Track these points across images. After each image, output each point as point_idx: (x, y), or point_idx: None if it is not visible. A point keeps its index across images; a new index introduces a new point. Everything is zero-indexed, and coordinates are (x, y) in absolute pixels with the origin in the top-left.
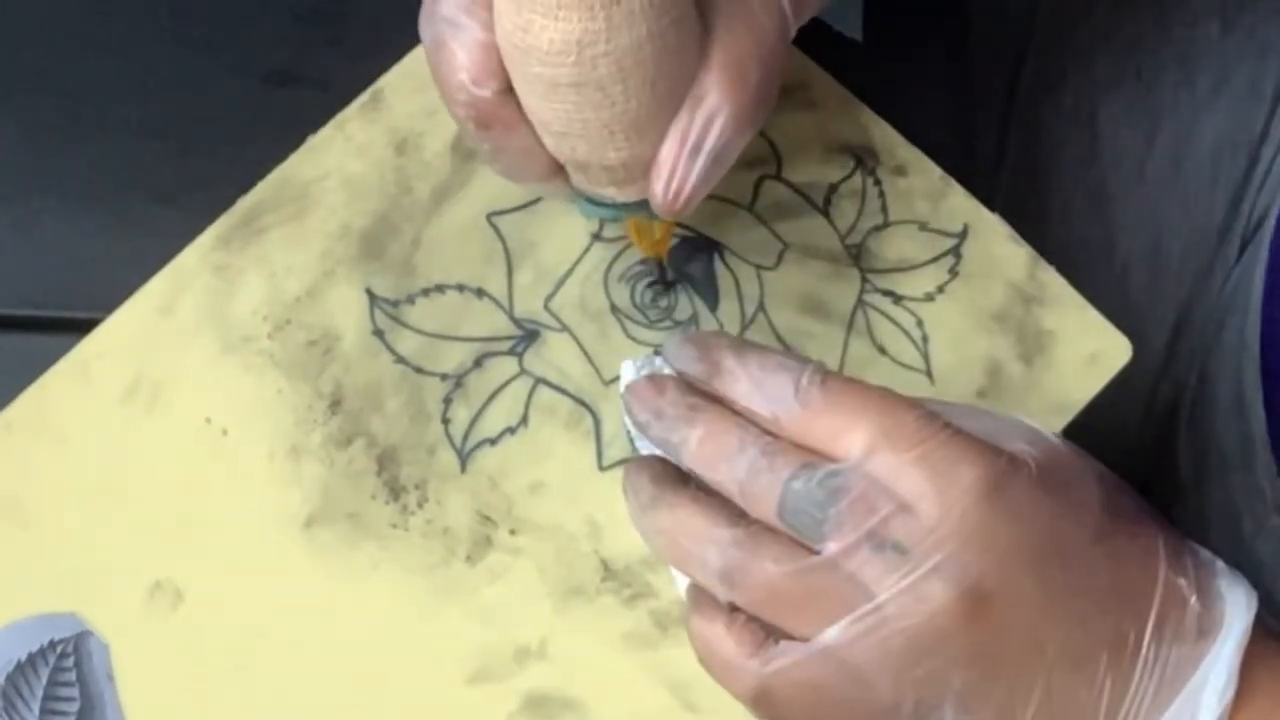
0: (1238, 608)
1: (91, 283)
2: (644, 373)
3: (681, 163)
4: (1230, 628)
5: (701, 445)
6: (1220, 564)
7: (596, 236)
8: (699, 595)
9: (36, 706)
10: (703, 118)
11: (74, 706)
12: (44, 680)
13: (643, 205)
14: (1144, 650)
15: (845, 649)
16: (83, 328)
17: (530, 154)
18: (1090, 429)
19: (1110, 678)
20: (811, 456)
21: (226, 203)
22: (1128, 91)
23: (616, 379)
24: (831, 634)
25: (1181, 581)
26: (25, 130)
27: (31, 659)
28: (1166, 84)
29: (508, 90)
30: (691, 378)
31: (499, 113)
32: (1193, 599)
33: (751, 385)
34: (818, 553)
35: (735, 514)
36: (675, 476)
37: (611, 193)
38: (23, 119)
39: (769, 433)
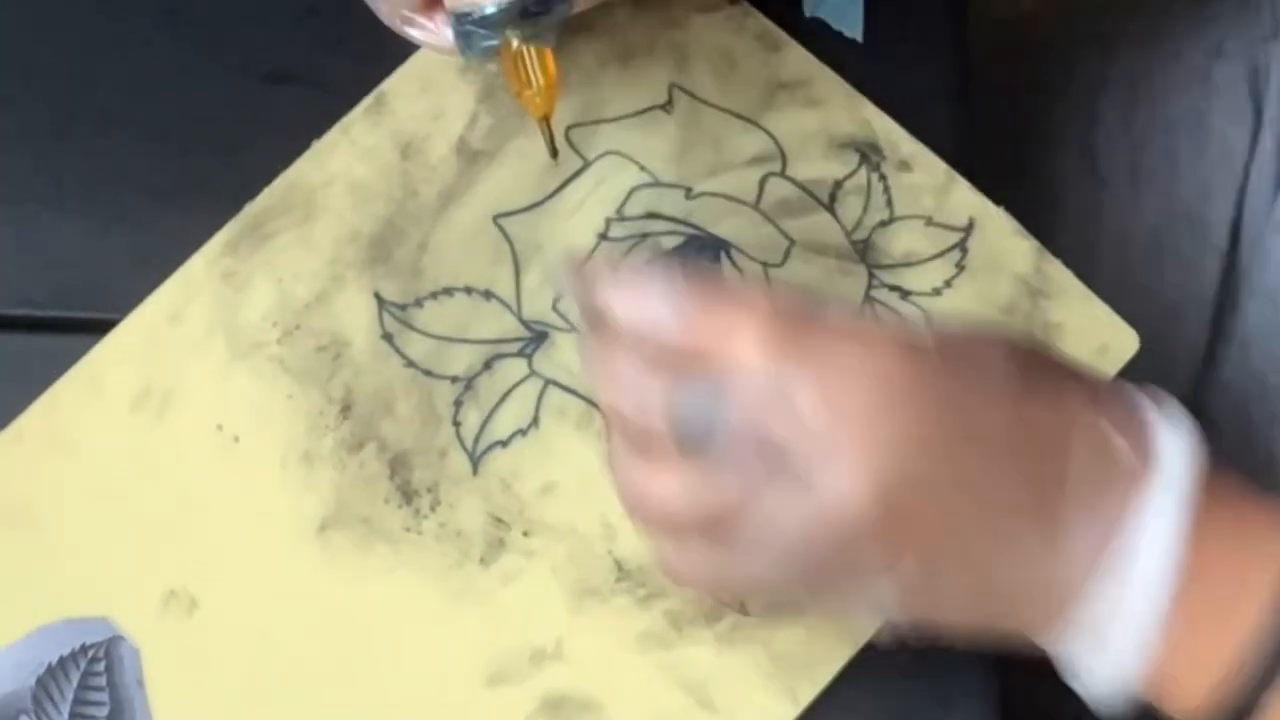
0: (1174, 448)
1: (91, 283)
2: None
3: None
4: (1163, 471)
5: (600, 369)
6: (1159, 411)
7: (603, 237)
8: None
9: (66, 709)
10: None
11: (103, 711)
12: (74, 684)
13: (513, 17)
14: (1068, 504)
15: (751, 556)
16: (83, 328)
17: None
18: None
19: (1037, 536)
20: (696, 364)
21: (226, 203)
22: (1121, 95)
23: None
24: (734, 542)
25: (1106, 427)
26: (25, 130)
27: (62, 662)
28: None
29: None
30: (584, 309)
31: None
32: (1121, 444)
33: (629, 306)
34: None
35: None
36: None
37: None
38: (23, 119)
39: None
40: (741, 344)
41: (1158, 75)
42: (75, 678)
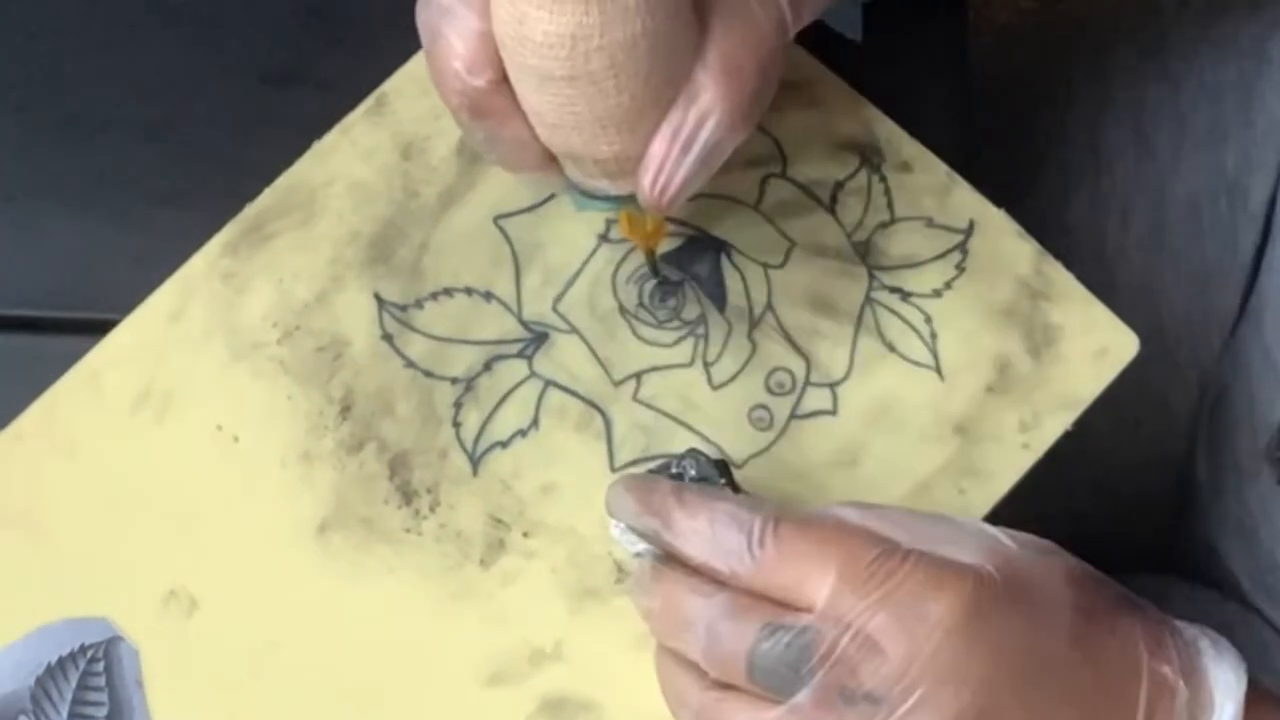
0: (1228, 688)
1: (91, 283)
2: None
3: (671, 159)
4: (1221, 711)
5: (662, 615)
6: (1205, 642)
7: (604, 238)
8: None
9: (65, 710)
10: (695, 115)
11: (102, 711)
12: (73, 684)
13: (634, 199)
14: None
15: None
16: (83, 328)
17: (523, 145)
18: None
19: None
20: (774, 610)
21: (226, 203)
22: (1172, 65)
23: (626, 380)
24: None
25: (1166, 670)
26: (25, 130)
27: (61, 662)
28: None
29: (502, 80)
30: (640, 534)
31: (493, 102)
32: (1180, 685)
33: (703, 544)
34: (789, 706)
35: (705, 676)
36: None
37: (604, 185)
38: (23, 119)
39: (730, 586)
40: (819, 590)
41: (1211, 48)
42: (74, 678)
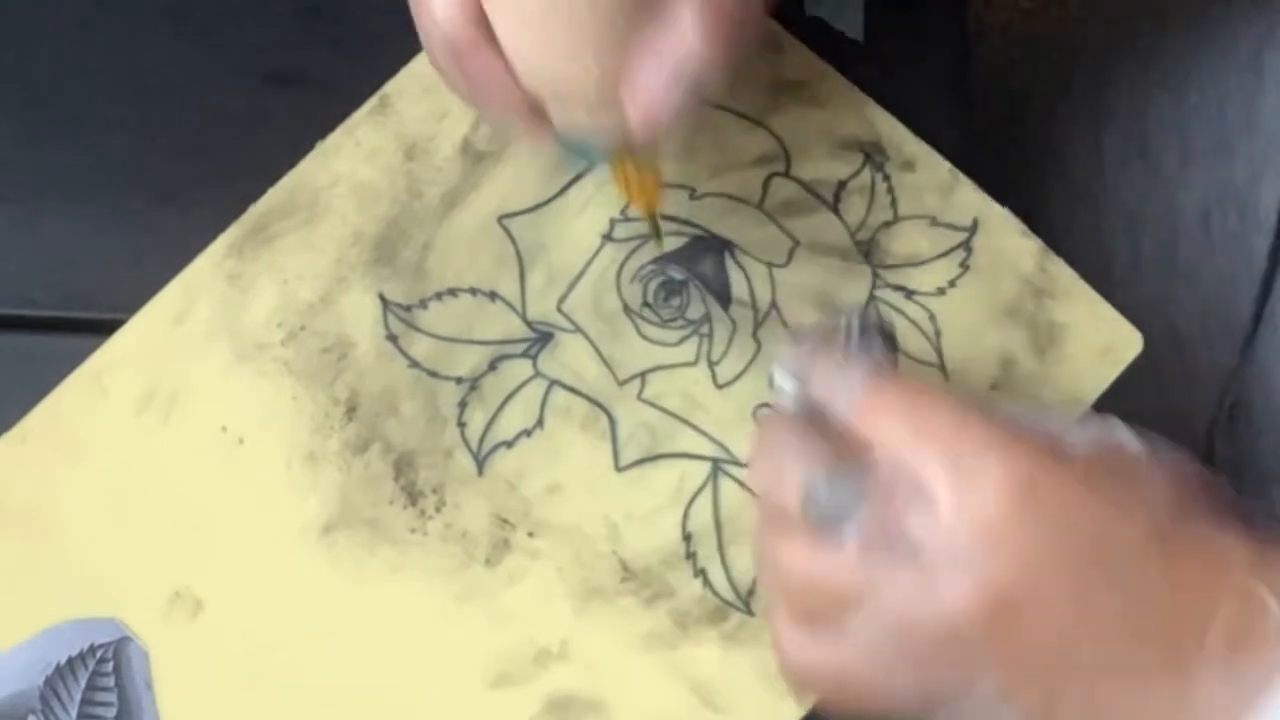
0: None
1: (91, 283)
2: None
3: (654, 82)
4: None
5: (756, 443)
6: None
7: (608, 237)
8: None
9: (74, 710)
10: (674, 39)
11: (111, 712)
12: (82, 684)
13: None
14: (1207, 661)
15: (868, 645)
16: (83, 328)
17: (506, 89)
18: None
19: (1169, 690)
20: (841, 453)
21: (227, 202)
22: (1173, 77)
23: (630, 379)
24: (852, 630)
25: (1260, 583)
26: (25, 130)
27: (71, 662)
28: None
29: (481, 21)
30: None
31: (472, 40)
32: (1273, 602)
33: (827, 392)
34: (834, 545)
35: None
36: None
37: (585, 122)
38: (23, 119)
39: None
40: (888, 432)
41: (1210, 59)
42: (83, 678)
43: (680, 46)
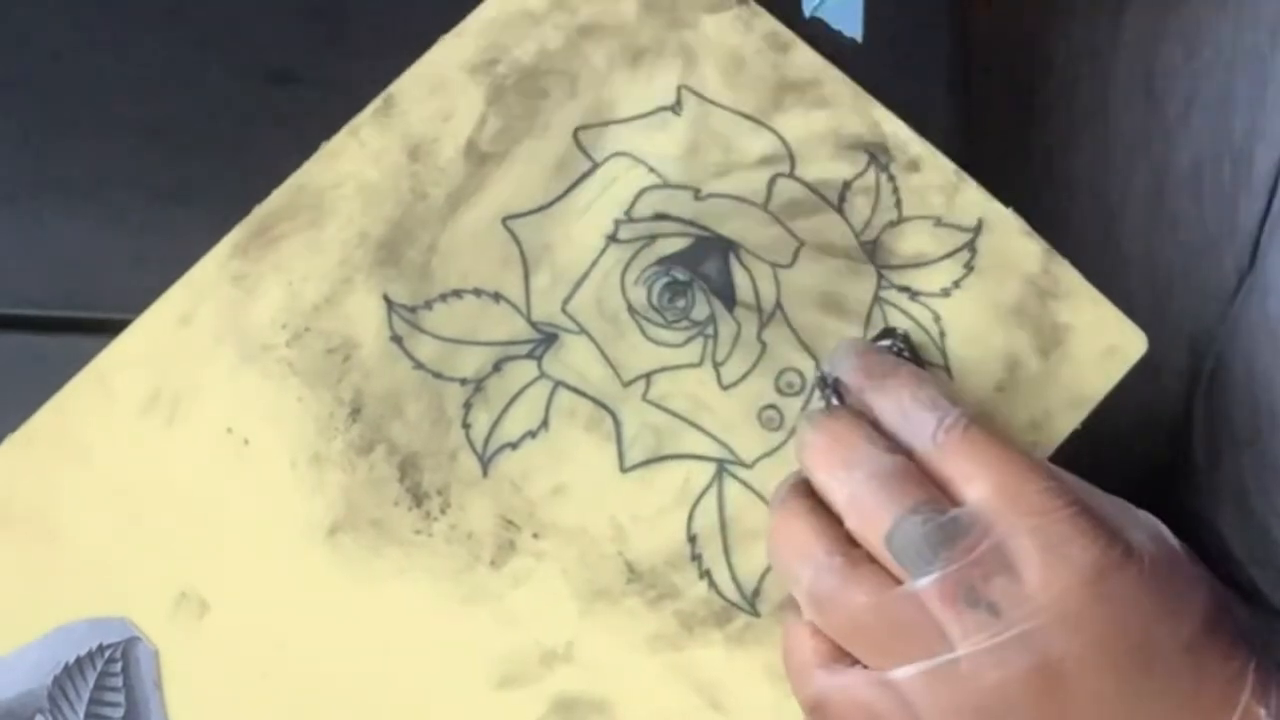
0: None
1: (91, 283)
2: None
3: None
4: None
5: (825, 449)
6: None
7: (612, 238)
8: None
9: (81, 710)
10: None
11: (119, 712)
12: (90, 684)
13: None
14: None
15: (911, 690)
16: (83, 327)
17: None
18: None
19: None
20: (932, 493)
21: (228, 202)
22: (1187, 33)
23: (635, 380)
24: (903, 672)
25: (1261, 711)
26: (25, 130)
27: (79, 662)
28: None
29: None
30: (844, 385)
31: None
32: None
33: (898, 411)
34: (911, 588)
35: (839, 537)
36: (807, 486)
37: None
38: (23, 119)
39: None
40: (980, 491)
41: (1229, 19)
42: (92, 678)
43: None
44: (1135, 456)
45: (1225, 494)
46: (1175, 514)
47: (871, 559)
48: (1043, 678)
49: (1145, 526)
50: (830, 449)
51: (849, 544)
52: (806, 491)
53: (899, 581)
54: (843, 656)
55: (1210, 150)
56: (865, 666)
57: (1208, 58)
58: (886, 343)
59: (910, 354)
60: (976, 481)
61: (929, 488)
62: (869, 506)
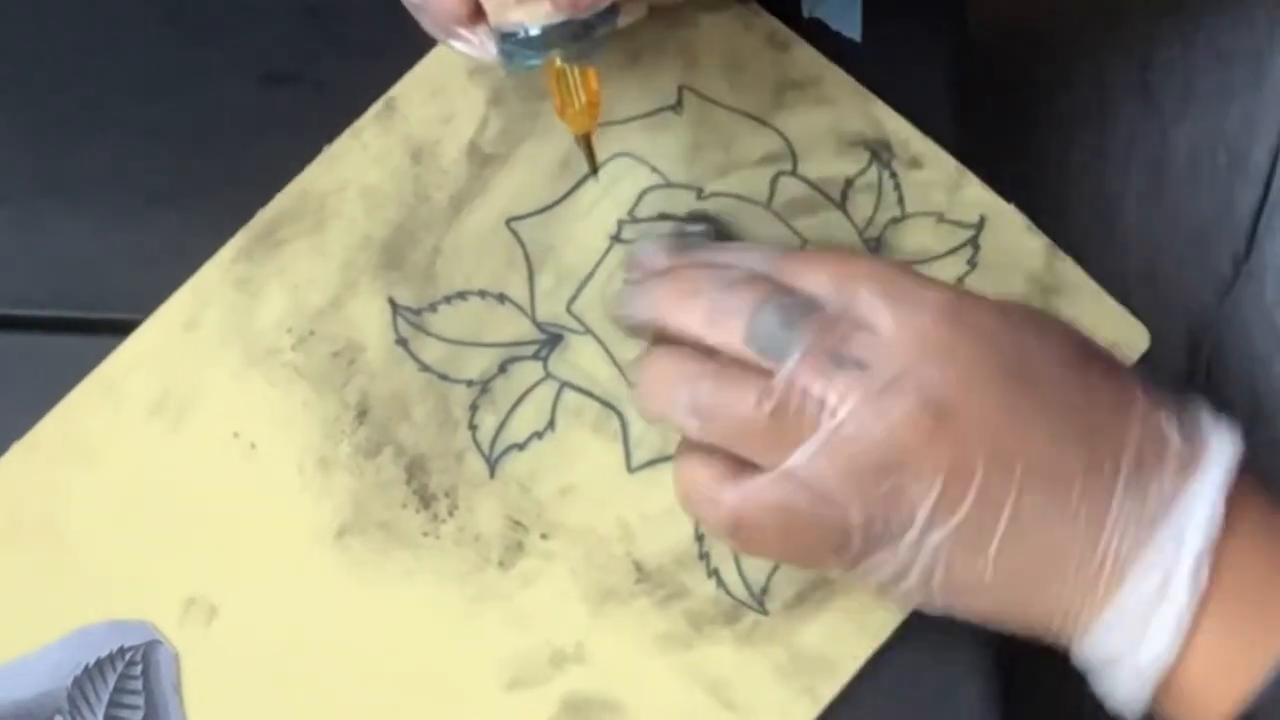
0: (1221, 444)
1: (91, 283)
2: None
3: None
4: (1213, 463)
5: (673, 289)
6: (1205, 410)
7: (616, 238)
8: (681, 442)
9: (100, 711)
10: None
11: (138, 715)
12: (110, 686)
13: (558, 37)
14: (1120, 480)
15: (812, 472)
16: (82, 328)
17: None
18: None
19: (1086, 506)
20: (779, 288)
21: (226, 201)
22: (1183, 29)
23: None
24: (798, 457)
25: (1161, 415)
26: (25, 130)
27: (100, 664)
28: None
29: None
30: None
31: None
32: (1173, 434)
33: (728, 256)
34: (782, 373)
35: (707, 356)
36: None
37: (521, 17)
38: (23, 119)
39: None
40: (820, 276)
41: (1226, 14)
42: (112, 680)
43: None
44: None
45: None
46: None
47: (741, 363)
48: (928, 416)
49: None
50: (675, 286)
51: (715, 356)
52: (664, 339)
53: (771, 375)
54: (741, 468)
55: (1206, 140)
56: (763, 469)
57: (1204, 52)
58: (698, 228)
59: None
60: (814, 272)
61: (775, 285)
62: (723, 315)
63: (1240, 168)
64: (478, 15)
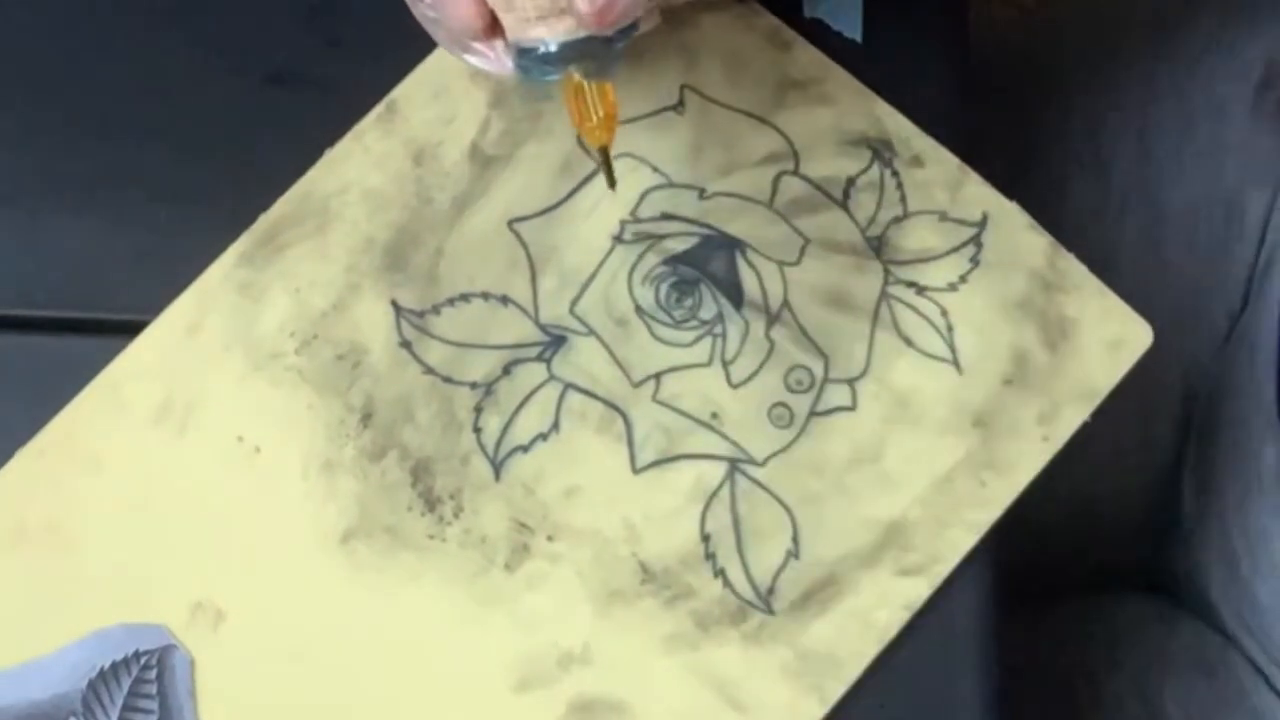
0: None
1: (90, 283)
2: None
3: None
4: None
5: None
6: None
7: (618, 239)
8: None
9: (114, 714)
10: None
11: (152, 719)
12: (125, 689)
13: (577, 53)
14: None
15: None
16: (83, 328)
17: (464, 2)
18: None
19: None
20: None
21: (227, 202)
22: (1178, 80)
23: (645, 381)
24: None
25: None
26: (25, 130)
27: (115, 667)
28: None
29: None
30: None
31: None
32: None
33: None
34: None
35: None
36: None
37: (542, 33)
38: (23, 119)
39: None
40: None
41: (1212, 65)
42: (126, 684)
43: None
44: (1128, 514)
45: (1213, 553)
46: (1168, 568)
47: None
48: None
49: None
50: None
51: None
52: None
53: None
54: None
55: (1203, 196)
56: None
57: (1200, 104)
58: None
59: None
60: None
61: None
62: None
63: (1237, 223)
64: (494, 29)
